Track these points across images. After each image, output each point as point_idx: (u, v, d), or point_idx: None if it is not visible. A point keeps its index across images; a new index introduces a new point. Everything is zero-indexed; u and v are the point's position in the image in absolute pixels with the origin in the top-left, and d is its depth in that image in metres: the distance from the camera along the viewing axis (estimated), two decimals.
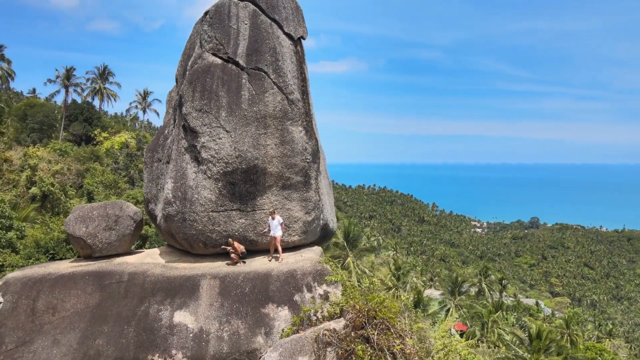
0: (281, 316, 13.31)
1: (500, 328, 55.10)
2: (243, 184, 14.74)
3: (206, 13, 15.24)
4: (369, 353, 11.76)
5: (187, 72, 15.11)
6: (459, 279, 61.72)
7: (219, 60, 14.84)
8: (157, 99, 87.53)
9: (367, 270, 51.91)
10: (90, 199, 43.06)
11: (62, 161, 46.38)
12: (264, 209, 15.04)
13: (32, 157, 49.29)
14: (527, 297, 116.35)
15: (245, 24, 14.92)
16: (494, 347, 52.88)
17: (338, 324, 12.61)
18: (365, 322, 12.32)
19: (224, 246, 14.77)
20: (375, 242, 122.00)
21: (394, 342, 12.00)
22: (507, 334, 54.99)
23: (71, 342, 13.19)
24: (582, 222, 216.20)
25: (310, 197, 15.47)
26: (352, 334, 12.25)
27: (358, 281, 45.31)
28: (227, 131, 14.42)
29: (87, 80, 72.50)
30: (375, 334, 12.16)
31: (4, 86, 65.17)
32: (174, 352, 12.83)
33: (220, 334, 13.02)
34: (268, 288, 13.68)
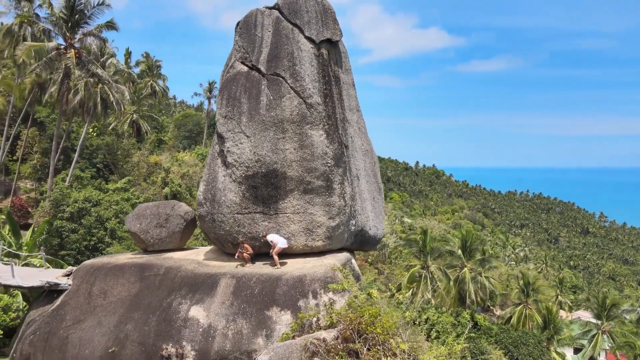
0: (283, 320, 13.29)
1: None
2: (264, 188, 15.06)
3: (238, 24, 15.96)
4: None
5: (221, 82, 16.03)
6: (608, 300, 53.37)
7: (245, 68, 15.43)
8: None
9: (487, 284, 48.08)
10: None
11: (198, 164, 52.20)
12: (286, 213, 15.17)
13: (179, 160, 56.62)
14: None
15: (269, 31, 15.26)
16: None
17: (329, 334, 12.13)
18: (354, 336, 11.66)
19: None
20: (522, 253, 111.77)
21: None
22: None
23: (110, 324, 14.97)
24: None
25: (334, 202, 15.12)
26: (340, 346, 11.68)
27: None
28: (247, 136, 14.91)
29: None
30: (365, 349, 11.43)
31: (159, 101, 75.92)
32: (184, 343, 13.70)
33: (226, 332, 13.50)
34: (275, 291, 13.77)
